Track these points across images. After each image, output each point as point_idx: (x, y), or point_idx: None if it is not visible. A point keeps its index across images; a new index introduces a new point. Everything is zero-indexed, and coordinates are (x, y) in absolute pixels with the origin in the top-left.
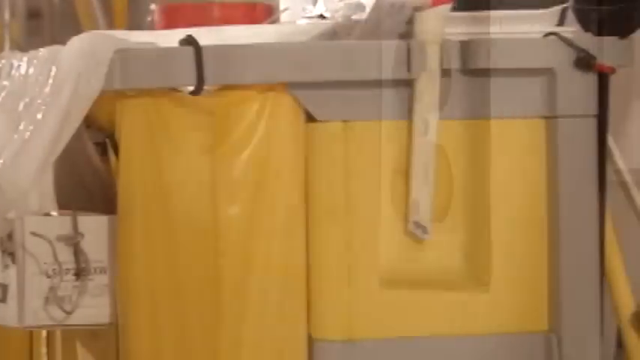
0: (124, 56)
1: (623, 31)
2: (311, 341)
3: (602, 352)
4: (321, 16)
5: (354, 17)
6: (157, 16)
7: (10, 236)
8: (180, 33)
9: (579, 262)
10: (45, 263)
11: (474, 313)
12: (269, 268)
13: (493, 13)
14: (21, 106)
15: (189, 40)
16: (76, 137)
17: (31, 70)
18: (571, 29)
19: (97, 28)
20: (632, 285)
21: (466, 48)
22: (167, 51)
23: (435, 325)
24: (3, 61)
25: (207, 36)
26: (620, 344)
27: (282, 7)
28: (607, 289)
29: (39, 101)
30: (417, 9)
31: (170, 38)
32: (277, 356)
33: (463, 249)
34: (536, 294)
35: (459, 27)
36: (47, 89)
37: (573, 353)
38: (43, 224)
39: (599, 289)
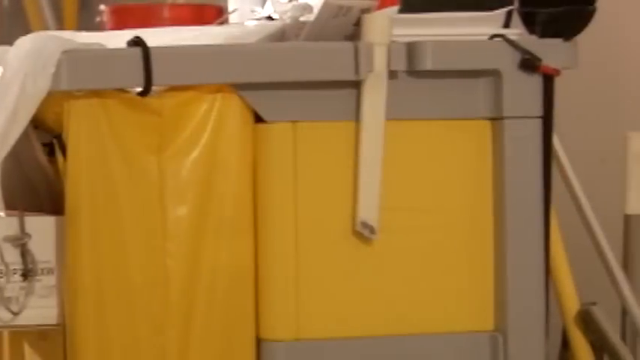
0: (72, 57)
1: (568, 34)
2: (259, 341)
3: (547, 351)
4: (270, 18)
5: (302, 19)
6: (106, 17)
7: None
8: (129, 34)
9: (525, 262)
10: None
11: (420, 313)
12: (217, 268)
13: (439, 15)
14: None
15: (137, 41)
16: (24, 138)
17: None
18: (516, 31)
19: (47, 29)
20: (576, 284)
21: (413, 50)
22: (115, 52)
23: (381, 324)
24: None
25: (155, 37)
26: (565, 343)
27: (230, 8)
28: (552, 288)
29: None
30: (365, 11)
31: (118, 39)
32: (225, 356)
33: (410, 249)
34: (482, 293)
35: (406, 29)
36: None
37: (519, 352)
38: None
39: (545, 288)
